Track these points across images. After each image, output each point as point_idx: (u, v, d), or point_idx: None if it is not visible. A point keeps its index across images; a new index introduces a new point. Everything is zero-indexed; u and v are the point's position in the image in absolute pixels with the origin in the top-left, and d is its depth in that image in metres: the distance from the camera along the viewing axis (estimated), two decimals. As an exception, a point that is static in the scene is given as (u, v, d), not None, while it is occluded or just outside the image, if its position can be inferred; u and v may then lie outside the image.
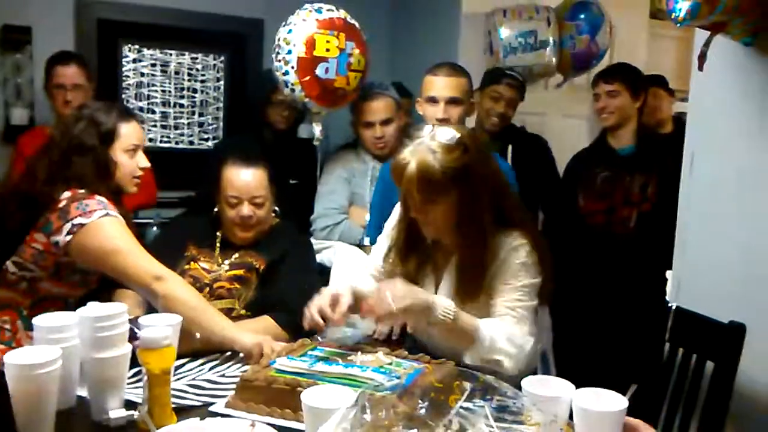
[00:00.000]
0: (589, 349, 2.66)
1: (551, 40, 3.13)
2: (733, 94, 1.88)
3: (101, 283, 1.87)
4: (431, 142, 1.59)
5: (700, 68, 1.73)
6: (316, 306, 1.63)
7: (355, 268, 2.21)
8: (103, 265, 1.76)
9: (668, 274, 2.19)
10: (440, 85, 2.24)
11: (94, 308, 1.37)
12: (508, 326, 1.61)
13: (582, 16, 3.19)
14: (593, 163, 2.86)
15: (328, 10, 2.57)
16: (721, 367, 1.67)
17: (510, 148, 2.92)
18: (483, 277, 1.66)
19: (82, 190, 1.77)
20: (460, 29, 3.37)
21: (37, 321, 1.36)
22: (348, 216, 2.59)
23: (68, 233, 1.71)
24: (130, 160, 1.87)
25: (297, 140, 3.19)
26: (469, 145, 1.61)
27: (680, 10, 1.56)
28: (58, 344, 1.29)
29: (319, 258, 2.30)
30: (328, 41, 2.49)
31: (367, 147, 2.67)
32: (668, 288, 2.19)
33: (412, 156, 1.59)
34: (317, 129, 2.63)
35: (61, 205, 1.73)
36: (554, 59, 3.16)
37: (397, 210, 1.85)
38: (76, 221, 1.71)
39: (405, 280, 1.67)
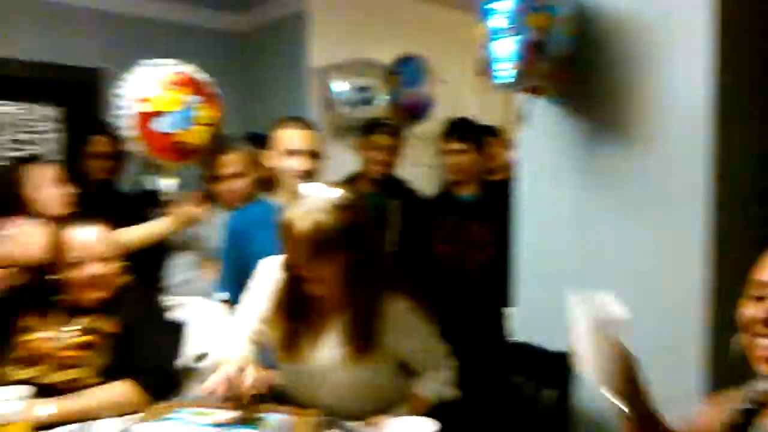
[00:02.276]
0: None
1: (383, 93, 3.31)
2: (553, 144, 2.12)
3: None
4: (321, 202, 1.61)
5: (522, 126, 1.94)
6: (222, 377, 1.59)
7: (220, 329, 2.17)
8: None
9: (507, 310, 2.38)
10: (300, 138, 2.25)
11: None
12: (438, 377, 1.77)
13: (405, 69, 3.39)
14: (442, 211, 3.03)
15: (173, 65, 2.53)
16: (559, 393, 1.86)
17: (398, 204, 3.04)
18: (376, 335, 1.69)
19: None
20: (306, 82, 3.47)
21: None
22: (199, 270, 2.57)
23: None
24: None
25: (117, 192, 3.12)
26: (357, 206, 1.66)
27: (504, 77, 1.77)
28: None
29: (172, 315, 2.25)
30: (167, 95, 2.42)
31: (218, 200, 2.67)
32: (508, 324, 2.37)
33: (302, 214, 1.59)
34: (165, 183, 2.50)
35: None
36: (388, 112, 3.34)
37: (266, 270, 1.84)
38: None
39: (284, 340, 1.72)
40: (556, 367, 1.86)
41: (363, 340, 1.67)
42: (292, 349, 1.75)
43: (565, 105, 2.04)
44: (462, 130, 3.06)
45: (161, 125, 2.41)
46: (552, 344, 1.92)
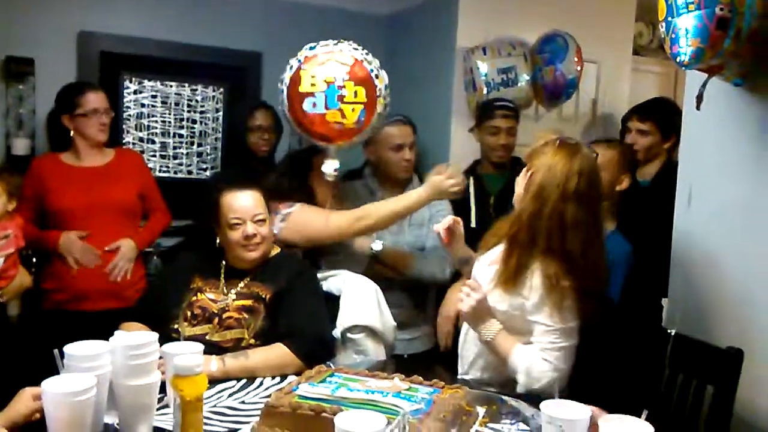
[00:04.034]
0: (591, 374, 2.70)
1: (526, 73, 3.24)
2: (725, 129, 1.99)
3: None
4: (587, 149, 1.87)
5: (698, 108, 1.83)
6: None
7: (364, 296, 2.26)
8: None
9: (664, 301, 2.27)
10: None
11: (126, 337, 1.42)
12: (533, 360, 1.79)
13: (547, 48, 3.28)
14: None
15: (323, 45, 2.51)
16: (721, 391, 1.75)
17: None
18: (515, 275, 1.82)
19: None
20: (455, 63, 3.46)
21: (69, 350, 1.39)
22: (353, 245, 2.64)
23: None
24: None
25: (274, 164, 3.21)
26: (593, 168, 1.83)
27: (685, 54, 1.66)
28: (91, 372, 1.33)
29: (326, 286, 2.34)
30: (313, 76, 2.37)
31: (393, 171, 2.74)
32: (664, 314, 2.26)
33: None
34: (329, 165, 2.46)
35: None
36: (529, 92, 3.27)
37: None
38: None
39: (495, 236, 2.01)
40: (720, 363, 1.76)
41: (505, 269, 1.84)
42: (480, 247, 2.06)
43: (746, 87, 1.89)
44: (646, 110, 2.91)
45: (309, 105, 2.38)
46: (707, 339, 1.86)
